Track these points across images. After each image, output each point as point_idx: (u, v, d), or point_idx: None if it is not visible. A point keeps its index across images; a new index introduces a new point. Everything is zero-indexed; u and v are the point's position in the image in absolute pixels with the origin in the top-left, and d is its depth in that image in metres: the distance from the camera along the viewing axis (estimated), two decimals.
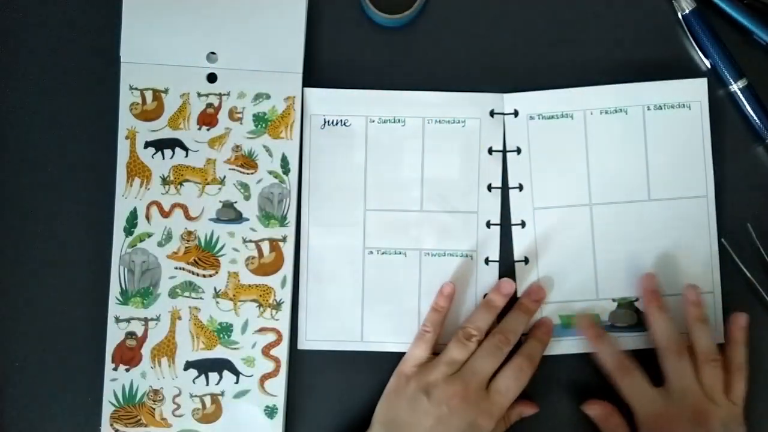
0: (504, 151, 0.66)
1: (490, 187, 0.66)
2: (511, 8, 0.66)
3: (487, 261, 0.66)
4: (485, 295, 0.65)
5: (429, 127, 0.65)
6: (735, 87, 0.63)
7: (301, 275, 0.66)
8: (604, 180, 0.65)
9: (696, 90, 0.64)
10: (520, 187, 0.65)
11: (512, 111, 0.65)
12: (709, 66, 0.64)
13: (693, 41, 0.64)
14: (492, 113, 0.65)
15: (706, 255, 0.64)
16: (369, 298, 0.66)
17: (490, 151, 0.66)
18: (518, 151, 0.66)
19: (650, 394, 0.60)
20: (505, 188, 0.66)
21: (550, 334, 0.64)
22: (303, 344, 0.66)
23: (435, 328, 0.63)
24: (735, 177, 0.65)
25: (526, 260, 0.65)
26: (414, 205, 0.66)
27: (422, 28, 0.66)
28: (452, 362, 0.61)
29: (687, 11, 0.63)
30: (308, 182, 0.66)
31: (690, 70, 0.65)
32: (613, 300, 0.65)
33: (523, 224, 0.65)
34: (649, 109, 0.65)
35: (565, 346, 0.65)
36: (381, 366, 0.64)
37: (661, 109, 0.64)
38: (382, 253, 0.66)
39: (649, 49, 0.65)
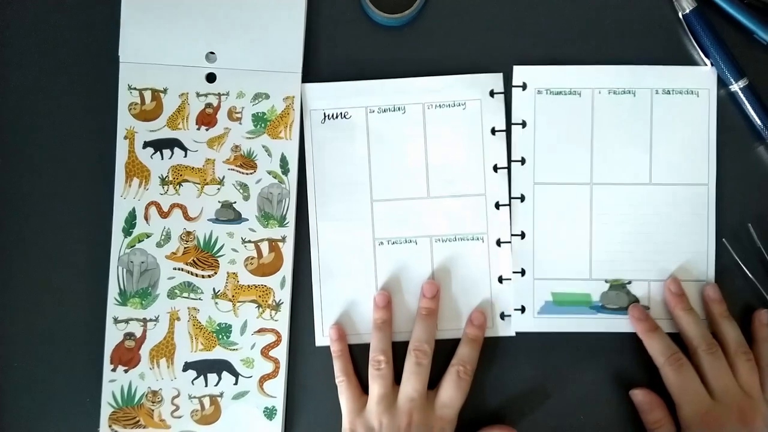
0: (509, 124, 0.65)
1: (496, 168, 0.65)
2: (512, 9, 0.66)
3: (498, 242, 0.65)
4: (499, 278, 0.65)
5: (429, 112, 0.65)
6: (736, 87, 0.63)
7: (313, 272, 0.65)
8: (607, 160, 0.65)
9: (705, 78, 0.64)
10: (523, 161, 0.65)
11: (520, 84, 0.65)
12: (710, 66, 0.64)
13: (694, 41, 0.64)
14: (492, 93, 0.65)
15: (702, 242, 0.65)
16: (383, 289, 0.65)
17: (493, 131, 0.65)
18: (523, 124, 0.65)
19: (701, 392, 0.60)
20: (507, 161, 0.65)
21: (481, 329, 0.64)
22: (320, 341, 0.65)
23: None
24: (736, 176, 0.65)
25: (522, 234, 0.65)
26: (421, 192, 0.65)
27: (423, 28, 0.66)
28: (381, 398, 0.61)
29: (687, 11, 0.63)
30: (313, 178, 0.65)
31: None
32: (606, 281, 0.65)
33: (522, 198, 0.65)
34: (657, 92, 0.65)
35: (557, 323, 0.65)
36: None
37: (669, 93, 0.64)
38: (393, 243, 0.66)
39: (650, 48, 0.65)
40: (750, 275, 0.64)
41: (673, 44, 0.65)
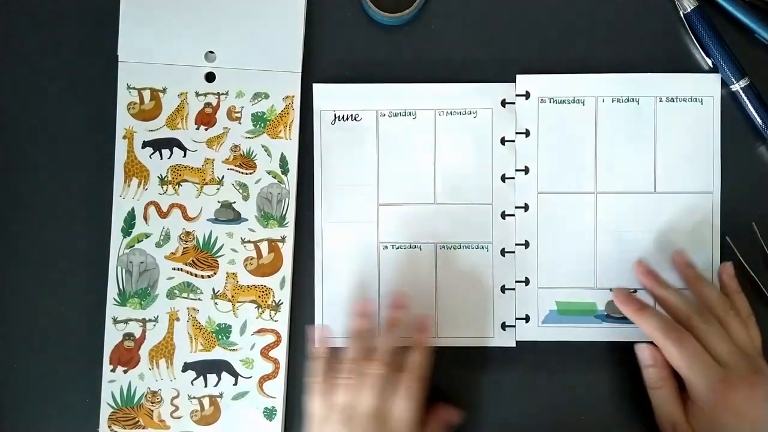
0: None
1: (503, 178, 0.65)
2: (513, 6, 0.65)
3: (503, 252, 0.65)
4: (502, 287, 0.65)
5: (440, 119, 0.65)
6: (737, 86, 0.62)
7: (316, 273, 0.65)
8: (611, 169, 0.65)
9: (709, 85, 0.64)
10: (526, 170, 0.65)
11: (523, 93, 0.65)
12: (711, 65, 0.63)
13: (695, 40, 0.63)
14: (503, 103, 0.65)
15: (707, 251, 0.64)
16: (385, 294, 0.65)
17: (503, 141, 0.65)
18: (527, 133, 0.65)
19: (710, 362, 0.58)
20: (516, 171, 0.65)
21: (425, 332, 0.63)
22: (321, 342, 0.65)
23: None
24: (737, 175, 0.64)
25: (526, 244, 0.65)
26: (428, 198, 0.65)
27: (424, 26, 0.65)
28: (344, 408, 0.59)
29: (689, 10, 0.62)
30: (320, 179, 0.65)
31: (692, 70, 0.64)
32: (611, 290, 0.64)
33: (526, 207, 0.65)
34: (661, 100, 0.64)
35: (561, 332, 0.65)
36: None
37: (673, 101, 0.64)
38: (397, 248, 0.65)
39: (651, 48, 0.65)
40: (753, 275, 0.63)
41: (675, 45, 0.65)
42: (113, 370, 0.64)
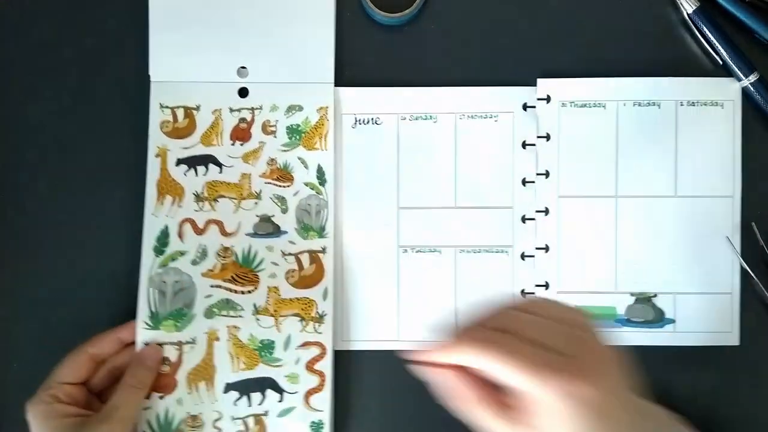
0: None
1: (524, 182, 0.66)
2: (512, 4, 0.66)
3: (523, 256, 0.66)
4: (522, 291, 0.65)
5: (461, 122, 0.66)
6: (746, 82, 0.64)
7: (336, 276, 0.65)
8: (632, 173, 0.66)
9: (730, 89, 0.66)
10: (547, 174, 0.66)
11: (544, 96, 0.66)
12: (719, 63, 0.65)
13: (702, 39, 0.65)
14: (525, 107, 0.66)
15: (727, 255, 0.65)
16: (404, 297, 0.65)
17: (524, 144, 0.66)
18: (547, 137, 0.66)
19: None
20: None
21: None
22: (338, 345, 0.64)
23: None
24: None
25: (546, 248, 0.66)
26: (448, 201, 0.66)
27: (425, 26, 0.66)
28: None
29: (692, 9, 0.65)
30: (342, 182, 0.65)
31: (697, 70, 0.66)
32: (632, 294, 0.65)
33: (546, 211, 0.66)
34: (681, 104, 0.66)
35: None
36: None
37: (694, 105, 0.66)
38: (417, 251, 0.65)
39: (649, 49, 0.66)
40: (753, 275, 0.64)
41: (674, 45, 0.66)
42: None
